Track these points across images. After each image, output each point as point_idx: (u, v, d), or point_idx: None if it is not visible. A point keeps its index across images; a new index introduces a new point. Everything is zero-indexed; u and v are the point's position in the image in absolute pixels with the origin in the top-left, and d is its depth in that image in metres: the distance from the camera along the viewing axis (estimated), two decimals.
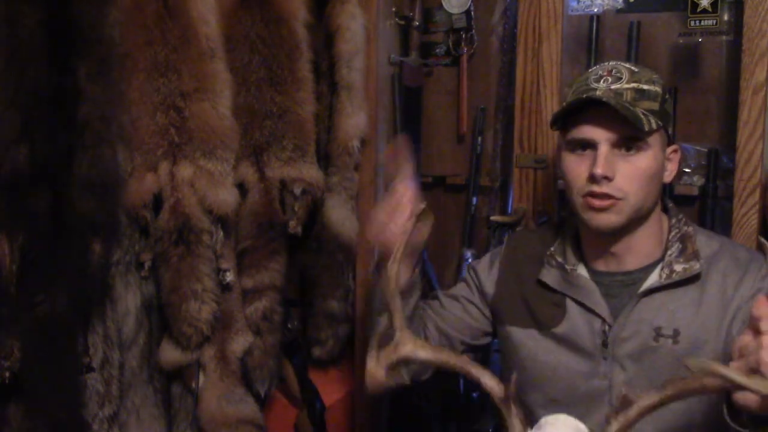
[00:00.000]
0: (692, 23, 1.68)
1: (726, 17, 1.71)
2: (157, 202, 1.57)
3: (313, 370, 1.97)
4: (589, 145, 1.21)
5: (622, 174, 1.19)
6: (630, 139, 1.19)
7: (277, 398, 1.94)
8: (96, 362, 1.49)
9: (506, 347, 1.39)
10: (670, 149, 1.26)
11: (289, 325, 1.91)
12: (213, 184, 1.58)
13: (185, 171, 1.57)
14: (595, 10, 1.84)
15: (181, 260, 1.57)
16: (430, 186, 2.10)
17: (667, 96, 1.25)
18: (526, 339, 1.34)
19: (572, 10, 1.85)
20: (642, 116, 1.18)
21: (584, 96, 1.20)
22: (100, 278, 1.48)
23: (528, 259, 1.38)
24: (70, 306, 1.38)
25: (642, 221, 1.25)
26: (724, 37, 1.73)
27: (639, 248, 1.26)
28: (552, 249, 1.35)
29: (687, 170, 1.78)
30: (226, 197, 1.61)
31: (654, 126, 1.19)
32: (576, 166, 1.23)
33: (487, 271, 1.44)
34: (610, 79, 1.22)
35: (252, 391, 1.76)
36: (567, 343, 1.29)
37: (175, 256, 1.57)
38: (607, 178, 1.18)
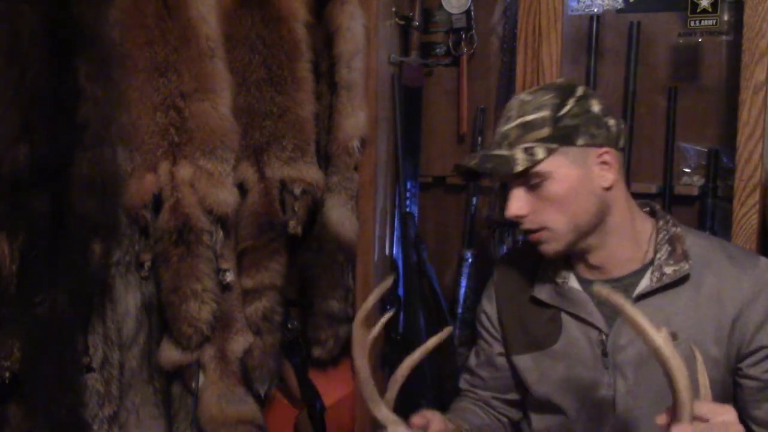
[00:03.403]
0: (692, 23, 1.68)
1: (726, 17, 1.71)
2: (157, 202, 1.57)
3: (313, 370, 1.96)
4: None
5: (534, 208, 1.20)
6: (523, 175, 1.19)
7: (277, 398, 1.94)
8: (96, 362, 1.49)
9: (516, 375, 1.39)
10: (597, 155, 1.20)
11: (289, 325, 1.91)
12: (213, 184, 1.58)
13: (185, 171, 1.57)
14: (595, 10, 1.84)
15: (181, 260, 1.57)
16: (430, 186, 2.10)
17: (565, 110, 1.19)
18: (530, 363, 1.33)
19: (572, 10, 1.85)
20: (521, 154, 1.16)
21: (464, 164, 1.24)
22: (100, 278, 1.48)
23: (520, 279, 1.37)
24: (70, 306, 1.38)
25: (604, 234, 1.23)
26: (724, 37, 1.73)
27: (617, 256, 1.25)
28: (542, 264, 1.34)
29: (687, 170, 1.78)
30: (226, 197, 1.60)
31: (540, 156, 1.16)
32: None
33: (491, 308, 1.43)
34: (502, 121, 1.23)
35: (252, 391, 1.76)
36: (568, 357, 1.28)
37: (175, 256, 1.57)
38: (521, 216, 1.21)
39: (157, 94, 1.55)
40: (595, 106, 1.20)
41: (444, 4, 1.99)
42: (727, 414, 0.97)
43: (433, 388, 1.87)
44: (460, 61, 2.01)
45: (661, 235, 1.25)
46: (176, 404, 1.72)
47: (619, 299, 0.94)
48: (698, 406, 0.94)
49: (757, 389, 1.21)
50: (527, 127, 1.19)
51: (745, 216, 1.57)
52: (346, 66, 1.80)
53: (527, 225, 1.22)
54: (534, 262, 1.35)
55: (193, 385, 1.69)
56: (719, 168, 1.72)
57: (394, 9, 1.98)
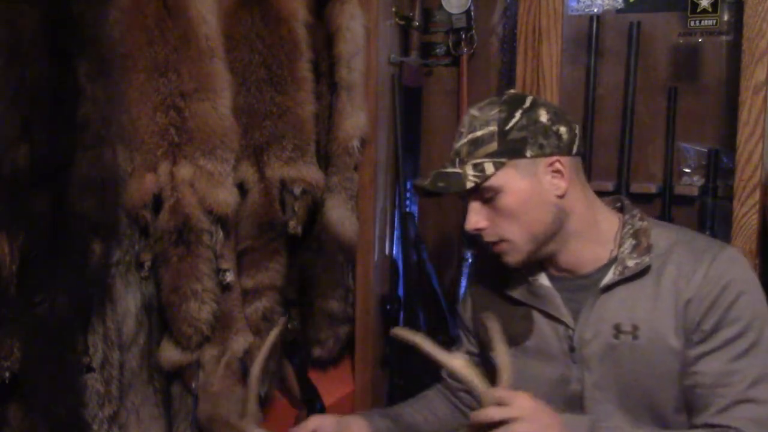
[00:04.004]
0: (692, 23, 1.68)
1: (726, 17, 1.71)
2: (157, 202, 1.57)
3: (313, 370, 1.97)
4: None
5: (492, 221, 1.23)
6: (476, 191, 1.21)
7: (277, 398, 1.94)
8: (96, 362, 1.49)
9: (493, 372, 1.39)
10: (547, 165, 1.21)
11: (289, 325, 1.91)
12: (213, 184, 1.58)
13: (185, 171, 1.57)
14: (595, 10, 1.84)
15: (181, 260, 1.57)
16: None
17: (512, 123, 1.21)
18: None
19: (572, 10, 1.85)
20: (471, 171, 1.20)
21: (418, 184, 1.29)
22: (100, 278, 1.48)
23: (495, 278, 1.38)
24: (70, 306, 1.39)
25: (565, 239, 1.25)
26: (724, 37, 1.73)
27: (582, 257, 1.26)
28: None
29: (687, 170, 1.78)
30: (226, 197, 1.61)
31: (489, 171, 1.19)
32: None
33: (463, 307, 1.46)
34: (456, 137, 1.26)
35: None
36: (540, 354, 1.30)
37: (175, 256, 1.57)
38: (480, 229, 1.24)
39: (157, 94, 1.55)
40: (543, 116, 1.22)
41: (444, 4, 1.99)
42: (520, 398, 1.08)
43: None
44: (460, 61, 2.01)
45: (626, 229, 1.26)
46: (176, 404, 1.72)
47: (410, 336, 1.11)
48: (492, 393, 1.08)
49: (690, 374, 1.19)
50: (476, 143, 1.22)
51: (745, 216, 1.57)
52: (346, 66, 1.81)
53: (487, 237, 1.25)
54: None
55: (193, 385, 1.69)
56: (719, 168, 1.72)
57: (394, 9, 1.98)
